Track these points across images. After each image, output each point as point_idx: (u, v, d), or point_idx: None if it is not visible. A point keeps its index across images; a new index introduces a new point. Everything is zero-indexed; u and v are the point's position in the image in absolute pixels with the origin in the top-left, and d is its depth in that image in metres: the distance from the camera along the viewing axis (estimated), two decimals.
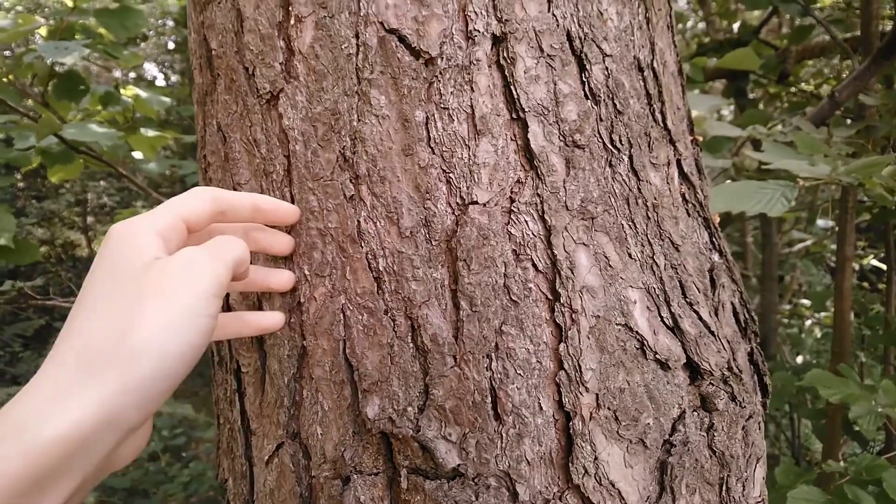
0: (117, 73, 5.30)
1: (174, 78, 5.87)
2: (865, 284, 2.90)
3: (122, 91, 1.52)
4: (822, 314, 2.93)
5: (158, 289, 0.32)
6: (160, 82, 5.83)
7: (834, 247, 3.22)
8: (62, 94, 1.34)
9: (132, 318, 0.30)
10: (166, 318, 0.31)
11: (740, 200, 0.77)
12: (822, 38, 2.38)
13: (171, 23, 5.12)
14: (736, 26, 2.49)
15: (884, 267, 2.96)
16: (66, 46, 1.15)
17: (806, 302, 3.18)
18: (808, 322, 3.18)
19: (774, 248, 2.23)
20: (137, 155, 1.58)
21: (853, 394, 1.14)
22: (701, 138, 0.52)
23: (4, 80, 1.27)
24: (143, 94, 1.49)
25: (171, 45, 5.83)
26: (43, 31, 1.35)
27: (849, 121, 1.57)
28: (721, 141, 1.31)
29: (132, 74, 5.34)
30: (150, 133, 1.48)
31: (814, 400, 2.41)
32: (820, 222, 2.57)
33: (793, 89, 2.35)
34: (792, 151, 1.01)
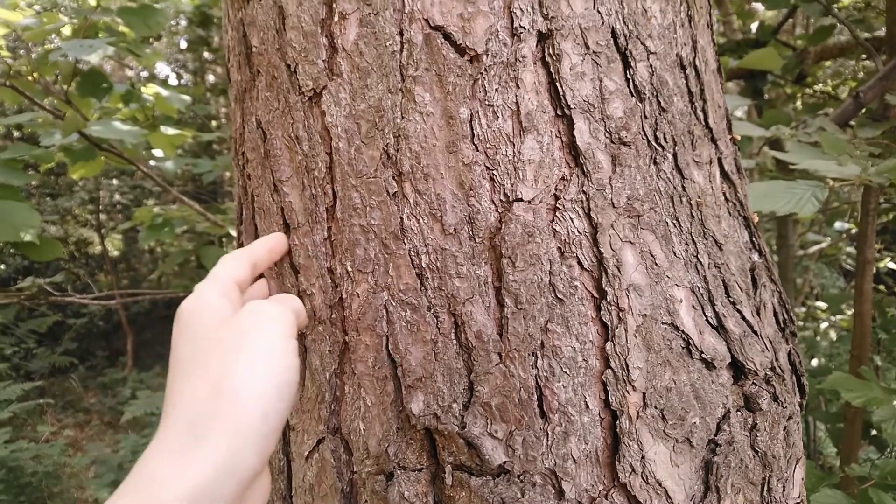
0: (130, 73, 5.34)
1: (186, 77, 5.91)
2: (882, 287, 2.87)
3: (142, 89, 1.53)
4: (838, 317, 2.90)
5: (238, 340, 0.34)
6: (172, 81, 5.87)
7: (849, 249, 3.19)
8: (86, 92, 1.35)
9: (222, 371, 0.33)
10: (252, 363, 0.33)
11: (770, 200, 0.77)
12: (838, 38, 2.36)
13: (183, 22, 5.15)
14: (754, 26, 2.47)
15: None
16: (90, 44, 1.16)
17: (820, 304, 3.16)
18: (824, 325, 3.15)
19: (791, 251, 2.21)
20: (157, 153, 1.59)
21: (876, 397, 1.13)
22: (738, 137, 0.52)
23: (30, 78, 1.29)
24: (164, 92, 1.50)
25: (183, 45, 5.86)
26: (66, 29, 1.37)
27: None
28: (742, 141, 1.30)
29: (144, 73, 5.38)
30: (170, 131, 1.49)
31: (827, 403, 2.39)
32: (836, 224, 2.55)
33: (809, 90, 2.34)
34: (817, 152, 1.00)
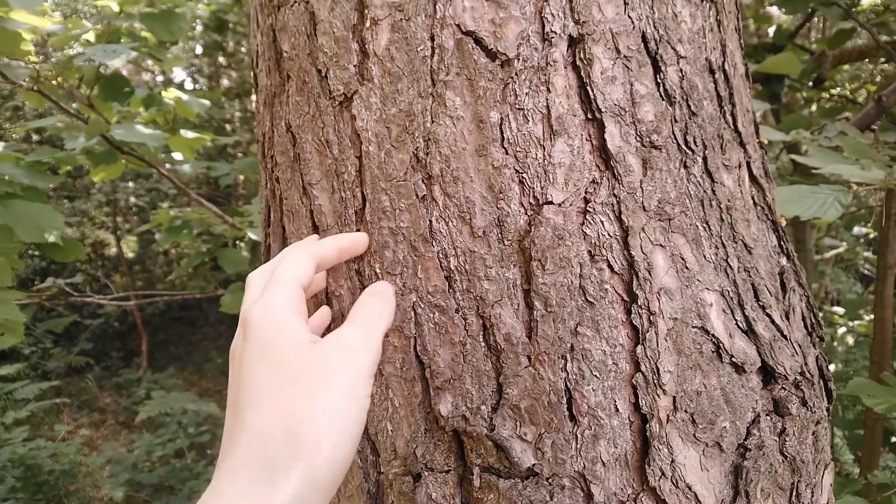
0: (146, 77, 5.41)
1: (202, 81, 5.97)
2: None
3: (162, 93, 1.55)
4: (856, 322, 2.87)
5: (319, 380, 0.33)
6: (188, 86, 5.93)
7: (867, 254, 3.15)
8: (108, 96, 1.38)
9: (304, 409, 0.32)
10: (334, 406, 0.32)
11: (794, 205, 0.76)
12: (855, 41, 2.33)
13: (199, 27, 5.22)
14: (771, 31, 2.46)
15: None
16: (114, 49, 1.18)
17: (837, 309, 3.12)
18: (841, 330, 3.12)
19: (808, 255, 2.19)
20: (176, 156, 1.61)
21: None
22: (766, 141, 0.51)
23: (53, 82, 1.32)
24: (184, 96, 1.52)
25: (199, 50, 5.93)
26: (90, 35, 1.39)
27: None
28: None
29: (160, 77, 5.44)
30: (190, 135, 1.50)
31: (844, 409, 2.36)
32: (854, 229, 2.52)
33: (826, 94, 2.32)
34: (838, 156, 1.00)
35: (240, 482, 0.30)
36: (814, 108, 2.53)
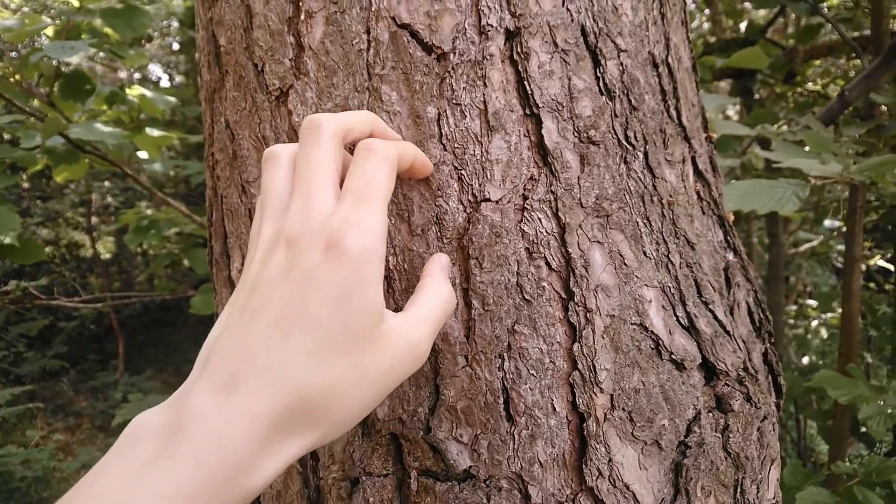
0: (122, 74, 5.32)
1: (178, 79, 5.88)
2: (872, 285, 2.88)
3: (127, 91, 1.52)
4: (829, 315, 2.91)
5: (380, 371, 0.31)
6: (165, 83, 5.84)
7: (840, 247, 3.20)
8: (68, 94, 1.34)
9: (351, 386, 0.30)
10: (369, 404, 0.31)
11: (751, 199, 0.76)
12: (828, 37, 2.36)
13: (175, 24, 5.14)
14: (743, 26, 2.48)
15: (891, 267, 2.94)
16: (72, 46, 1.15)
17: (812, 303, 3.17)
18: (815, 323, 3.16)
19: (781, 249, 2.21)
20: (142, 154, 1.58)
21: (862, 395, 1.13)
22: (715, 135, 0.51)
23: (11, 80, 1.28)
24: (148, 93, 1.49)
25: (175, 46, 5.84)
26: (49, 31, 1.35)
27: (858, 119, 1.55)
28: (729, 140, 1.29)
29: (137, 75, 5.36)
30: (156, 133, 1.47)
31: (819, 401, 2.40)
32: (826, 222, 2.56)
33: (800, 89, 2.34)
34: (802, 150, 1.00)
35: (253, 425, 0.28)
36: (790, 103, 2.56)
